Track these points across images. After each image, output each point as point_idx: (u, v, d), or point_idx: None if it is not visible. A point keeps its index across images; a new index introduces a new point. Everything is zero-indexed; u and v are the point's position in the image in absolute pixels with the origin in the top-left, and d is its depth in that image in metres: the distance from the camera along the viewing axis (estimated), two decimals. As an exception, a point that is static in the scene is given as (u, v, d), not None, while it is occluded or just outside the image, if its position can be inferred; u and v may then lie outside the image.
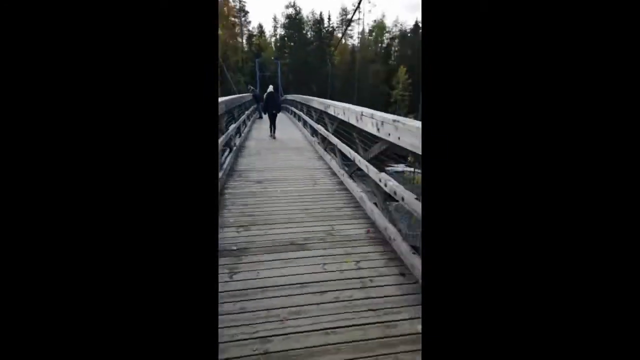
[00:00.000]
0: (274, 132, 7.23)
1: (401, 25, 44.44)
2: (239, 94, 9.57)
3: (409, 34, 39.21)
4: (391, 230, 2.13)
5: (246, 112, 8.31)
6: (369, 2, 39.12)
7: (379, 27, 39.43)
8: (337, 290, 1.63)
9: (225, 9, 32.21)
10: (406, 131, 1.71)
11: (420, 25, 38.25)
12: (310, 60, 35.71)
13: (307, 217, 2.59)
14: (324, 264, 1.88)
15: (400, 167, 11.34)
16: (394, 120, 1.86)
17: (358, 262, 1.91)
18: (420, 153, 1.57)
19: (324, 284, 1.67)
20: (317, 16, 38.30)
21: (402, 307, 1.51)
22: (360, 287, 1.65)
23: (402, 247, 1.93)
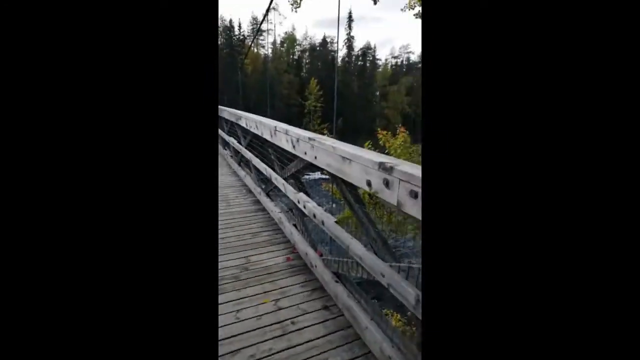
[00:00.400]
0: None
1: (310, 38, 46.59)
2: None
3: (318, 48, 41.29)
4: (312, 256, 1.97)
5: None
6: (280, 15, 39.84)
7: (290, 39, 40.41)
8: (253, 344, 1.36)
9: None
10: (322, 150, 1.58)
11: (327, 40, 40.76)
12: (221, 68, 34.19)
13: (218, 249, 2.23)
14: (237, 311, 1.58)
15: (317, 175, 11.61)
16: (310, 139, 1.72)
17: (277, 300, 1.68)
18: (335, 173, 1.46)
19: (237, 340, 1.38)
20: (227, 23, 37.02)
21: (327, 351, 1.34)
22: (280, 335, 1.42)
23: (325, 275, 1.79)
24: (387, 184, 1.06)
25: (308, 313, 1.58)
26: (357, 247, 1.40)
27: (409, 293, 1.04)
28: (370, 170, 1.17)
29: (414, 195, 0.93)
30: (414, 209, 0.94)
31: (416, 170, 0.97)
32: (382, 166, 1.09)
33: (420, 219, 0.83)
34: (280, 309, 1.61)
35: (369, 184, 1.19)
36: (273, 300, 1.68)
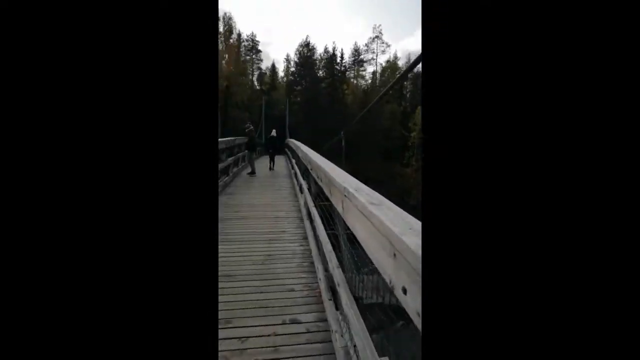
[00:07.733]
0: (273, 167, 9.60)
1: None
2: (241, 133, 9.27)
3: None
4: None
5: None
6: (383, 43, 41.45)
7: (392, 67, 41.02)
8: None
9: (232, 47, 33.90)
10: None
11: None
12: (321, 99, 36.74)
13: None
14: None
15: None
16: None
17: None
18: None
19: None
20: (330, 52, 39.55)
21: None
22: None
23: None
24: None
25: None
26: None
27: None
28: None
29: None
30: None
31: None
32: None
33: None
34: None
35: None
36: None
